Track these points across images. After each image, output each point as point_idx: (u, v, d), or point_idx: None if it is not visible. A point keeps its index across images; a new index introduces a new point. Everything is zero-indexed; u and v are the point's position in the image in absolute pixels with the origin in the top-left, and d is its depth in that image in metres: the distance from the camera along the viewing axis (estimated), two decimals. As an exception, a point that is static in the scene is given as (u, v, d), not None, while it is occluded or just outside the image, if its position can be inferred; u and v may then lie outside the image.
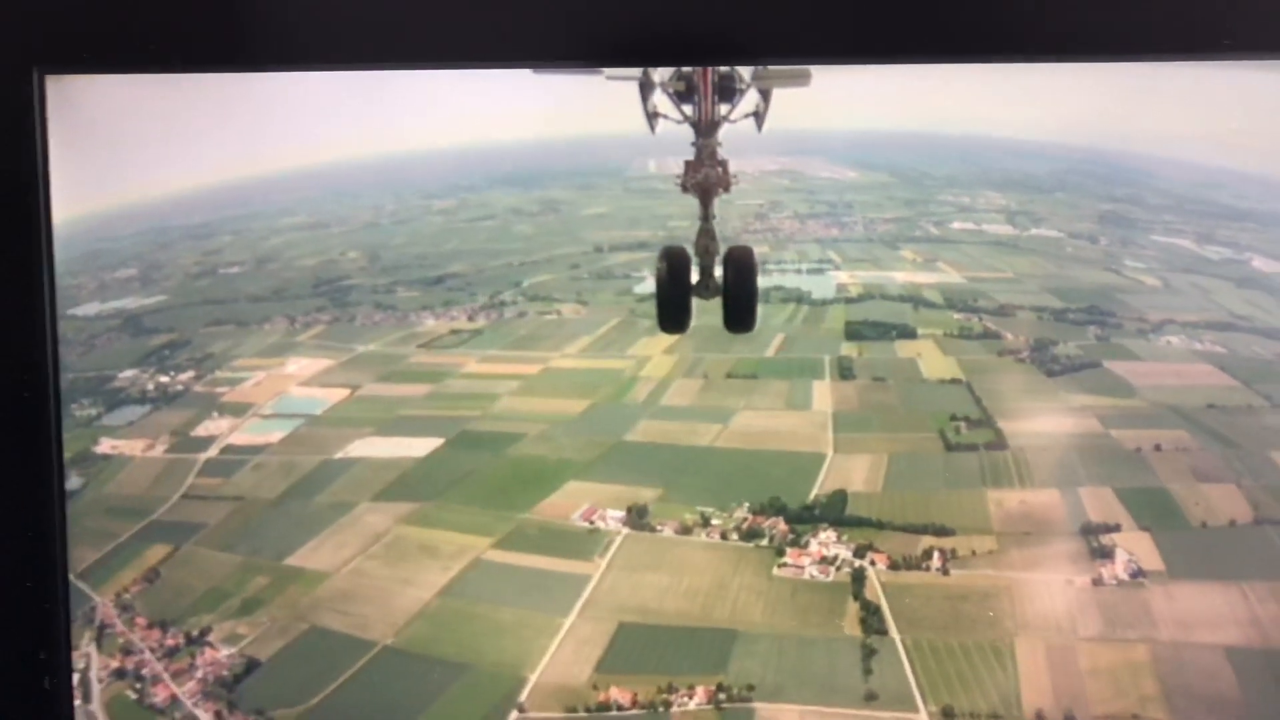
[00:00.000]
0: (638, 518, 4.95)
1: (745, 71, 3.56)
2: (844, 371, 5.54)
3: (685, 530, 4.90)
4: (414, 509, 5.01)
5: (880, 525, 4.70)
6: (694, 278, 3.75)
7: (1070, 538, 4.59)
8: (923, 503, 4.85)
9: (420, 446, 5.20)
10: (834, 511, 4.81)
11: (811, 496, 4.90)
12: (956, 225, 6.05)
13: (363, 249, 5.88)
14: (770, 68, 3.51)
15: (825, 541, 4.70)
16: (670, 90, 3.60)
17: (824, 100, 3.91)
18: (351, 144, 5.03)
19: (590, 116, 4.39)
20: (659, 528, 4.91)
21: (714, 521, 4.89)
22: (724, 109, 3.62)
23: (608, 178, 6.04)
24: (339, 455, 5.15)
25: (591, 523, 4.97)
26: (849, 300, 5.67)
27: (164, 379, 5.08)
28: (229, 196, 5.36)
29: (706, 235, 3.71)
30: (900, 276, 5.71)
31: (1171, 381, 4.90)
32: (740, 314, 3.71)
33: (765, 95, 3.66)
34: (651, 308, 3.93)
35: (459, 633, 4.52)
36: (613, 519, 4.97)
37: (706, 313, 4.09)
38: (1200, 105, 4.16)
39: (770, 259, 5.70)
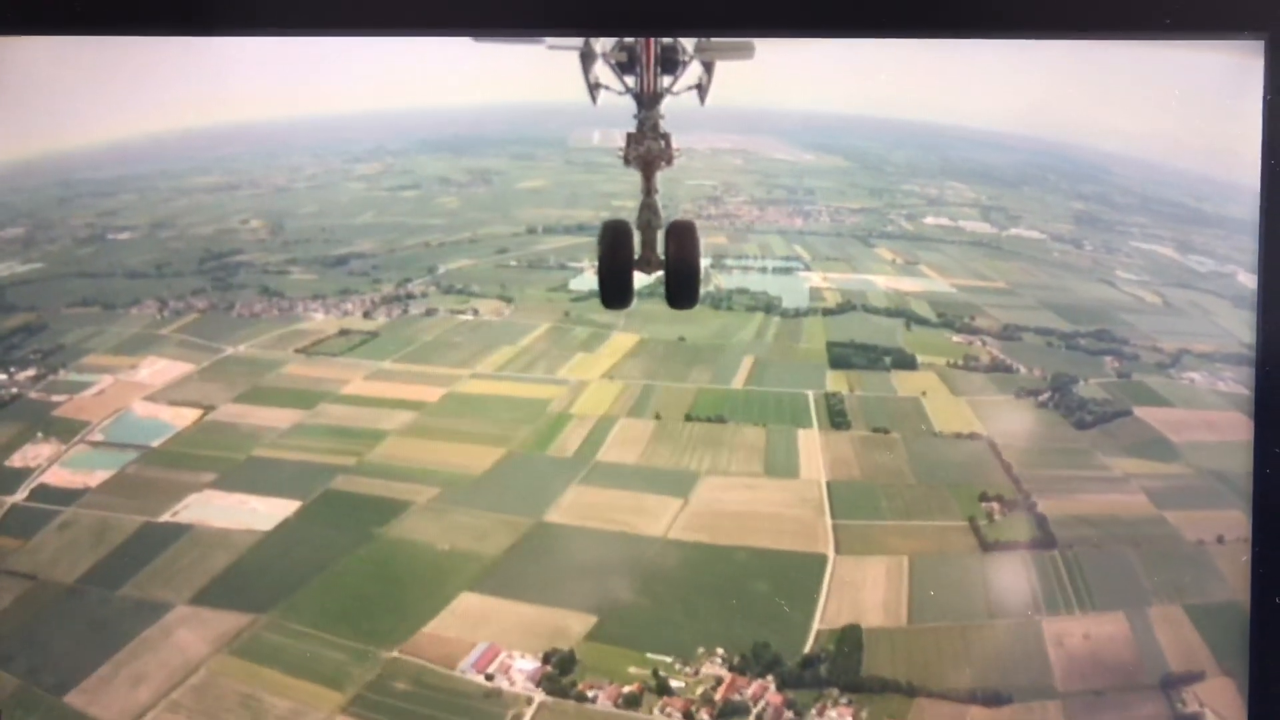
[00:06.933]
0: (559, 674, 3.66)
1: (688, 43, 3.50)
2: (835, 416, 4.59)
3: (630, 700, 3.56)
4: (243, 625, 3.80)
5: (911, 691, 3.53)
6: (636, 253, 3.68)
7: (1149, 695, 3.60)
8: (962, 646, 3.73)
9: (269, 512, 4.15)
10: (846, 666, 3.62)
11: (812, 637, 3.72)
12: (930, 220, 5.65)
13: (267, 217, 5.22)
14: (713, 40, 3.48)
15: (837, 726, 3.48)
16: (612, 61, 3.56)
17: (774, 78, 3.73)
18: (283, 103, 4.68)
19: (534, 82, 3.98)
20: (590, 694, 3.60)
21: (673, 684, 3.54)
22: (666, 81, 3.56)
23: (548, 147, 5.42)
24: (165, 517, 4.14)
25: (490, 677, 3.62)
26: (827, 311, 4.91)
27: (1, 377, 4.30)
28: (143, 152, 4.88)
29: (649, 209, 3.71)
30: (881, 282, 5.09)
31: (1208, 436, 4.20)
32: (682, 288, 3.68)
33: (708, 68, 3.69)
34: (589, 309, 3.89)
35: None
36: (521, 673, 3.60)
37: (659, 320, 3.77)
38: (1141, 97, 3.95)
39: (729, 252, 5.08)
